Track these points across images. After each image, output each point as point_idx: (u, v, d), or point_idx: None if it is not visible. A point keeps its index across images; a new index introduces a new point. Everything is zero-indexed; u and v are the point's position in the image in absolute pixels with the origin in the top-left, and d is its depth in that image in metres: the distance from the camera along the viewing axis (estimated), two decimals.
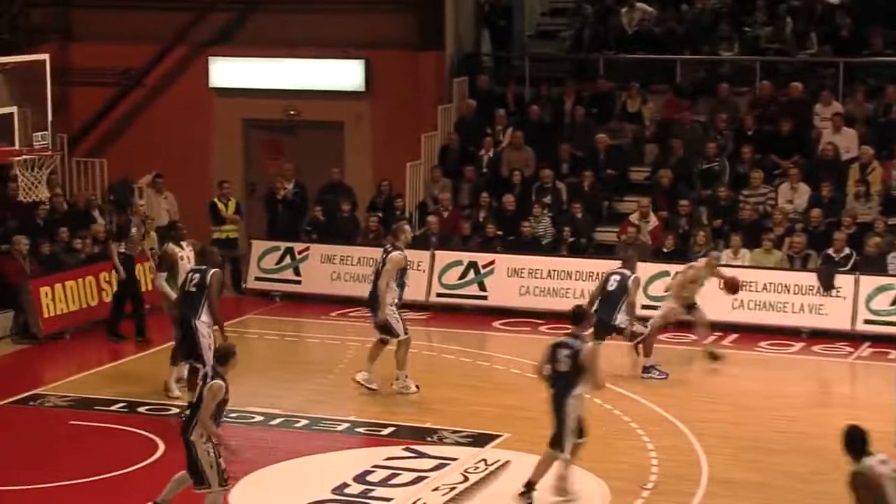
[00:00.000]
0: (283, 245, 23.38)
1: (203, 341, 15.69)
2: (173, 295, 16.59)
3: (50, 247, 21.40)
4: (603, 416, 16.18)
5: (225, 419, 12.38)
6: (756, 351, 19.71)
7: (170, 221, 20.77)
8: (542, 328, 20.73)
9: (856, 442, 9.93)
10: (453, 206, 23.46)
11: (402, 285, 16.97)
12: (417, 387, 16.95)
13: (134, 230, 20.46)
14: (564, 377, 12.98)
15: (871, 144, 22.50)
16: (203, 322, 15.76)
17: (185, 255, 17.40)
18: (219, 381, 12.00)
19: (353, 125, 25.41)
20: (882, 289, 20.35)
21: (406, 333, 16.92)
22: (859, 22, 24.32)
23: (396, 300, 16.89)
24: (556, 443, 12.95)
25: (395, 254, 16.74)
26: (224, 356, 12.24)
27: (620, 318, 17.67)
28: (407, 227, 17.51)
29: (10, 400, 17.33)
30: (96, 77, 25.93)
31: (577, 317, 13.48)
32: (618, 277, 17.79)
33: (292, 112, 25.67)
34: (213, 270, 15.93)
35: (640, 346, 18.11)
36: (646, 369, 18.05)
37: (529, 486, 13.01)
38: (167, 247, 17.70)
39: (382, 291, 16.66)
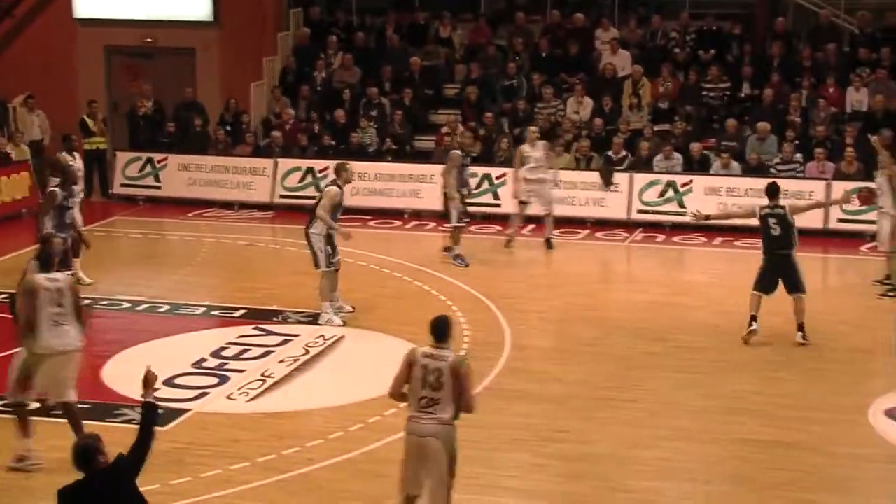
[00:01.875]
0: (145, 155, 22.92)
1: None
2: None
3: None
4: (421, 294, 16.26)
5: (96, 306, 12.09)
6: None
7: (63, 134, 19.51)
8: (370, 223, 20.73)
9: (440, 329, 9.15)
10: (293, 121, 23.16)
11: (334, 219, 15.05)
12: (353, 307, 15.29)
13: None
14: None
15: (641, 64, 22.79)
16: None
17: (77, 165, 16.77)
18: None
19: (203, 51, 24.95)
20: (651, 184, 20.73)
21: (329, 267, 14.96)
22: None
23: (322, 233, 14.92)
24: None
25: (332, 188, 15.13)
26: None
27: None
28: (349, 166, 15.53)
29: None
30: None
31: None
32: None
33: (149, 39, 25.10)
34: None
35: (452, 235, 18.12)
36: (450, 252, 18.08)
37: None
38: (60, 156, 16.90)
39: (323, 218, 14.78)
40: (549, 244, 19.05)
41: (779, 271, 14.21)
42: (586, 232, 20.35)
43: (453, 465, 9.03)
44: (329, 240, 14.89)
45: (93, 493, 7.31)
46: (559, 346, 14.29)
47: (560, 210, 20.58)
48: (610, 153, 21.25)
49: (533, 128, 19.54)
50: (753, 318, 14.23)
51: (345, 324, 14.90)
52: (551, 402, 12.45)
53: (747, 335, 14.15)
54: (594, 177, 20.91)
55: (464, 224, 18.13)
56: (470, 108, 22.74)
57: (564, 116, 22.39)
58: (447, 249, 18.13)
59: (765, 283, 14.31)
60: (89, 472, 7.34)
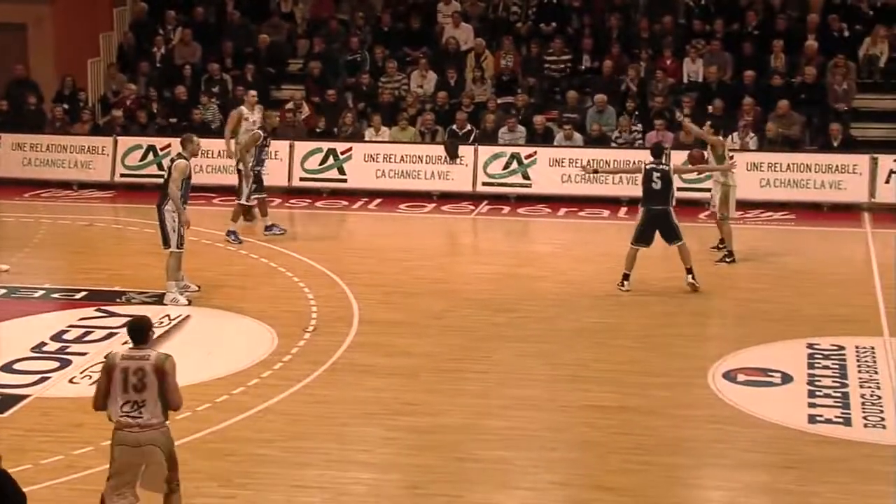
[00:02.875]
0: None
1: None
2: None
3: None
4: (268, 271, 16.14)
5: None
6: (396, 212, 19.97)
7: None
8: (215, 201, 20.47)
9: (138, 331, 8.81)
10: (132, 98, 22.67)
11: (185, 194, 14.79)
12: (198, 286, 15.09)
13: None
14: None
15: (483, 37, 22.92)
16: None
17: None
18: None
19: (35, 26, 24.20)
20: (496, 156, 20.89)
21: (179, 248, 14.71)
22: None
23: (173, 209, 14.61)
24: None
25: (180, 161, 14.71)
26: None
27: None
28: (195, 137, 15.18)
29: None
30: None
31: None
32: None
33: None
34: None
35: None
36: (268, 227, 18.08)
37: None
38: None
39: (174, 196, 14.52)
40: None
41: (656, 224, 15.04)
42: (433, 205, 20.42)
43: (175, 463, 8.80)
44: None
45: None
46: (407, 320, 14.31)
47: (406, 184, 20.64)
48: (454, 127, 21.34)
49: (252, 91, 19.38)
50: (626, 277, 14.79)
51: (190, 303, 14.68)
52: (401, 376, 12.48)
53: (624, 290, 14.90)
54: (439, 150, 20.98)
55: (253, 203, 18.00)
56: (313, 84, 22.58)
57: (408, 90, 22.40)
58: (268, 228, 18.06)
59: (644, 237, 15.11)
60: None
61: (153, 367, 8.56)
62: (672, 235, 15.12)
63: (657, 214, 15.06)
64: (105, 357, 8.75)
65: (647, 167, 15.14)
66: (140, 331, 8.70)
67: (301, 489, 10.04)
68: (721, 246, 16.79)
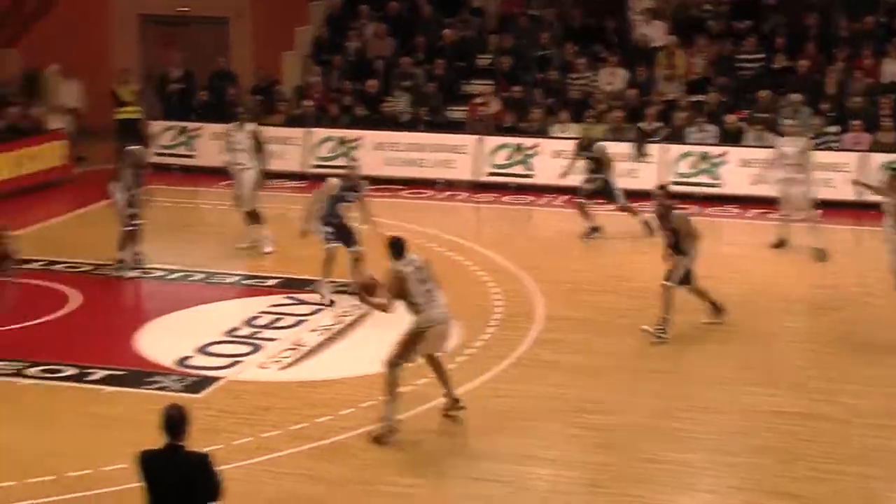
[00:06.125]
0: (178, 125, 22.97)
1: None
2: None
3: None
4: (454, 265, 16.28)
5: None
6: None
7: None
8: (402, 193, 20.75)
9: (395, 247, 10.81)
10: (324, 90, 23.17)
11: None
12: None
13: None
14: None
15: (675, 35, 22.65)
16: None
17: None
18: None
19: (236, 20, 24.98)
20: (685, 155, 20.62)
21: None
22: None
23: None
24: None
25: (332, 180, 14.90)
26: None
27: None
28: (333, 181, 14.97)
29: None
30: None
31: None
32: None
33: (183, 9, 25.15)
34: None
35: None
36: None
37: None
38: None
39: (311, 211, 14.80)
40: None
41: None
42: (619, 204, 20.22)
43: None
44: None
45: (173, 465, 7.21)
46: (592, 317, 14.25)
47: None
48: (643, 124, 21.15)
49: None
50: None
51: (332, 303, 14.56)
52: (584, 373, 12.46)
53: None
54: (626, 148, 20.80)
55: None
56: (503, 79, 22.68)
57: (597, 87, 22.30)
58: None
59: None
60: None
61: None
62: None
63: None
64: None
65: None
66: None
67: (482, 482, 10.13)
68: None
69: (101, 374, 12.41)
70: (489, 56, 23.63)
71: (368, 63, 23.47)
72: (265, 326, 13.91)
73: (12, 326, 13.87)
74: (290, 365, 12.83)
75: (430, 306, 10.81)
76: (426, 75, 23.06)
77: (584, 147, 18.21)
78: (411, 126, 22.23)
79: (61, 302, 14.80)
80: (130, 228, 15.90)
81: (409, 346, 10.81)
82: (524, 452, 10.65)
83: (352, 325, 13.96)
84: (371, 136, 21.91)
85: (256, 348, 13.23)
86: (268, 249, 16.88)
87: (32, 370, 12.51)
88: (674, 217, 13.55)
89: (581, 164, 18.25)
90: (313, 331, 13.70)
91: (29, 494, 9.84)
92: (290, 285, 15.43)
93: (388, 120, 22.33)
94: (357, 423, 11.13)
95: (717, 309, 13.80)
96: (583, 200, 18.00)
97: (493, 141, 21.32)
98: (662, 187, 14.24)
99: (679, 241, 13.48)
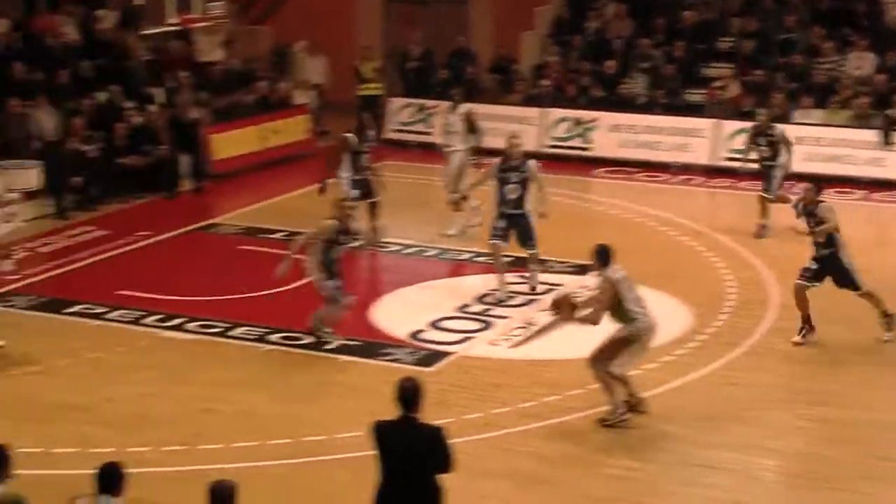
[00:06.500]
0: (418, 101, 23.39)
1: None
2: None
3: (222, 100, 21.65)
4: (686, 250, 16.13)
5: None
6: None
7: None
8: (637, 176, 20.63)
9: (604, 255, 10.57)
10: (562, 70, 23.21)
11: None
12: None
13: None
14: None
15: None
16: None
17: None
18: None
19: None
20: None
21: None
22: None
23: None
24: None
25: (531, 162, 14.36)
26: None
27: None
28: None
29: (192, 227, 17.72)
30: None
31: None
32: None
33: None
34: None
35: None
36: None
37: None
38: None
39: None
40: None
41: None
42: (863, 192, 19.63)
43: None
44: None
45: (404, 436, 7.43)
46: (829, 306, 13.88)
47: (836, 169, 19.97)
48: (891, 111, 20.40)
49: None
50: None
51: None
52: (818, 364, 12.21)
53: None
54: (873, 135, 20.13)
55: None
56: (744, 62, 22.25)
57: (844, 72, 21.63)
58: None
59: None
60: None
61: None
62: None
63: None
64: None
65: None
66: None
67: (708, 469, 10.07)
68: None
69: (337, 343, 12.84)
70: (731, 39, 23.19)
71: (607, 44, 23.38)
72: (497, 304, 14.08)
73: (257, 294, 14.47)
74: (520, 343, 12.98)
75: (643, 314, 10.65)
76: (665, 57, 22.83)
77: (762, 132, 17.22)
78: (648, 108, 22.06)
79: (304, 272, 15.31)
80: (353, 205, 15.63)
81: (619, 348, 10.67)
82: (750, 442, 10.52)
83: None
84: (607, 118, 21.86)
85: (487, 325, 13.43)
86: (451, 232, 16.82)
87: (274, 336, 13.04)
88: (820, 210, 12.90)
89: (758, 149, 17.26)
90: (544, 310, 13.80)
91: (269, 455, 10.30)
92: (523, 264, 15.55)
93: (625, 101, 22.22)
94: (585, 405, 11.18)
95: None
96: (768, 196, 16.95)
97: (732, 125, 20.94)
98: (814, 182, 13.52)
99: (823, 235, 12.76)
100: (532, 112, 22.36)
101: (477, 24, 25.23)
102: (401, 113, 23.45)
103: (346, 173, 16.11)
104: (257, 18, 26.28)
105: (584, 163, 21.53)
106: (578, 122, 22.04)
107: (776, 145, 17.02)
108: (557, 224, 17.29)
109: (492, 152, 17.63)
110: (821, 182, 13.63)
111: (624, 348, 10.67)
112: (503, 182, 14.22)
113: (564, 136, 22.12)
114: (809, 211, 12.86)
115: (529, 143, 22.06)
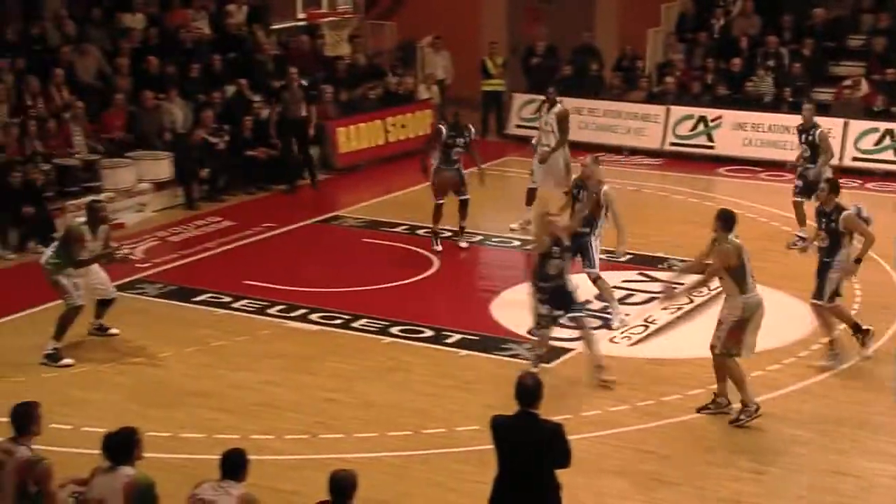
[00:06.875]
0: (540, 97, 23.27)
1: None
2: None
3: (348, 94, 21.90)
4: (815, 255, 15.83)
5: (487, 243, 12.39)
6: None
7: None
8: (762, 175, 20.36)
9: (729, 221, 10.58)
10: (687, 67, 23.00)
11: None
12: None
13: None
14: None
15: None
16: None
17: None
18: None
19: None
20: None
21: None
22: None
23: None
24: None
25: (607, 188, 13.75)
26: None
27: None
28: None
29: (316, 220, 17.98)
30: None
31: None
32: None
33: None
34: None
35: None
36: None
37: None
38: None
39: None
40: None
41: None
42: None
43: None
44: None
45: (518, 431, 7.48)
46: None
47: None
48: None
49: None
50: None
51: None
52: None
53: None
54: None
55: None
56: (875, 60, 21.79)
57: None
58: None
59: None
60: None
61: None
62: None
63: None
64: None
65: None
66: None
67: (832, 475, 9.93)
68: None
69: (456, 337, 12.93)
70: (862, 37, 22.74)
71: (733, 41, 23.08)
72: (617, 301, 14.01)
73: (380, 286, 14.63)
74: (639, 341, 12.92)
75: (753, 288, 10.63)
76: (792, 55, 22.46)
77: (804, 130, 16.33)
78: (774, 107, 21.74)
79: (425, 265, 15.47)
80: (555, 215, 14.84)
81: (738, 335, 10.61)
82: (874, 448, 10.34)
83: (703, 305, 13.88)
84: (731, 116, 21.59)
85: (607, 323, 13.38)
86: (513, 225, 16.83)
87: (395, 329, 13.18)
88: (843, 219, 12.25)
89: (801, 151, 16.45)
90: (664, 309, 13.71)
91: (388, 447, 10.42)
92: (644, 262, 15.48)
93: (751, 100, 21.92)
94: (705, 405, 11.09)
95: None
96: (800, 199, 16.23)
97: (860, 125, 20.54)
98: (829, 181, 13.00)
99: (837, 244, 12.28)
100: (656, 109, 22.19)
101: (602, 20, 25.09)
102: (523, 109, 23.45)
103: (433, 163, 16.22)
104: (383, 14, 26.48)
105: (708, 161, 21.31)
106: (702, 119, 21.81)
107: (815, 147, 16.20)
108: (681, 223, 17.23)
109: (612, 149, 17.62)
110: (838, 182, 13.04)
111: (742, 333, 10.60)
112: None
113: (687, 134, 21.92)
114: (822, 210, 12.36)
115: (653, 140, 21.99)
